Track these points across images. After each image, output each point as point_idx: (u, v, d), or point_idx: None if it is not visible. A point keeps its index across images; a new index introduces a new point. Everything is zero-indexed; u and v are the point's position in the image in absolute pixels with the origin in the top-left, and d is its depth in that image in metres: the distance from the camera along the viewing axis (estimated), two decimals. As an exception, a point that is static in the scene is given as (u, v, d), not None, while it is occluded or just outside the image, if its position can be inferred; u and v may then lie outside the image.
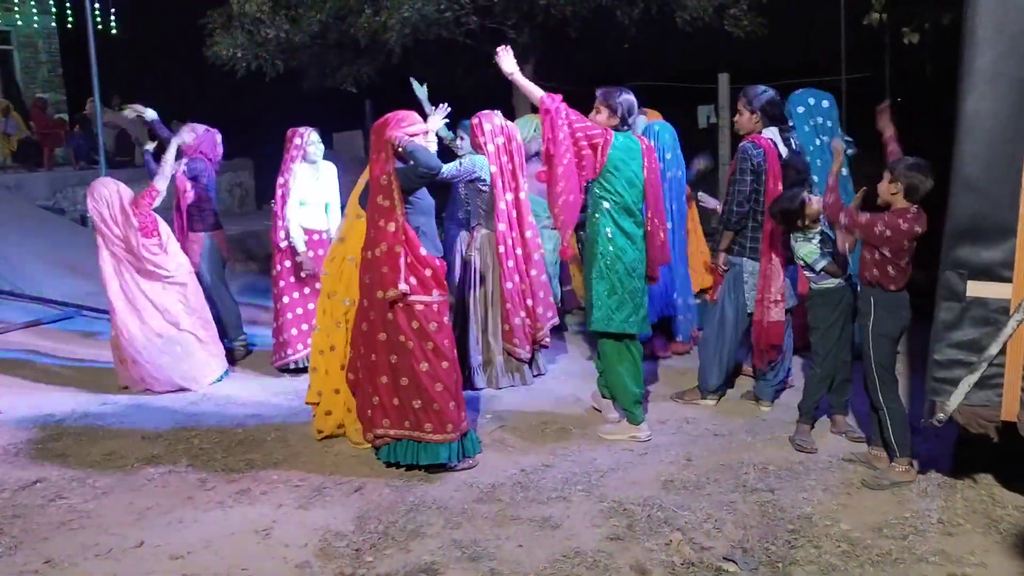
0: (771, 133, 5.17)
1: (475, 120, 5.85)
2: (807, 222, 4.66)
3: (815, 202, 4.63)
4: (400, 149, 4.41)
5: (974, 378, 3.77)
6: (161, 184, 6.16)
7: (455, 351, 4.56)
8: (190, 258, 6.46)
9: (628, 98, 4.84)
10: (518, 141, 5.90)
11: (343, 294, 4.95)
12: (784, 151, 5.19)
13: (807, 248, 4.66)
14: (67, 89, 17.88)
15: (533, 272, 5.93)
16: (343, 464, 4.67)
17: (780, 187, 5.05)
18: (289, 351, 6.40)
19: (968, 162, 3.73)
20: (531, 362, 6.02)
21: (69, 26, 16.75)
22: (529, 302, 5.90)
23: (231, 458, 4.81)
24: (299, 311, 6.39)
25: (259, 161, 16.62)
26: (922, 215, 4.18)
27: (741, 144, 5.20)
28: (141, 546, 3.78)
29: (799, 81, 9.69)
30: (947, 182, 3.81)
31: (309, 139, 6.30)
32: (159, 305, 6.09)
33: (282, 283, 6.40)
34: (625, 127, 4.85)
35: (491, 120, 5.82)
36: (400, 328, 4.40)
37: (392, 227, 4.37)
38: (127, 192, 6.10)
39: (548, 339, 6.06)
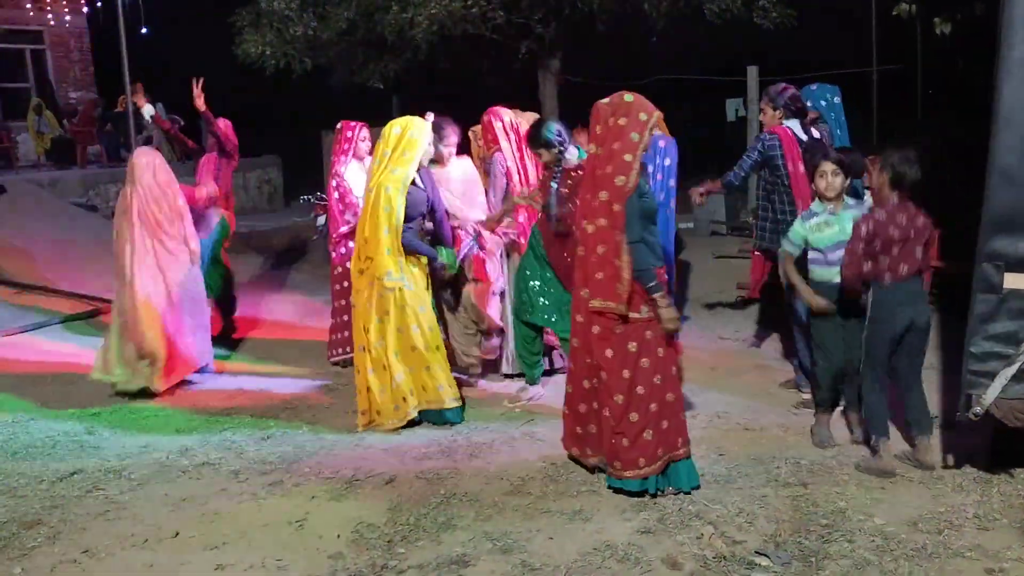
0: (791, 124, 5.47)
1: (486, 118, 5.91)
2: (815, 183, 4.61)
3: (828, 174, 4.51)
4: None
5: (1011, 371, 3.73)
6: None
7: None
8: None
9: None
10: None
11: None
12: (804, 138, 5.45)
13: (795, 226, 4.66)
14: (98, 88, 18.11)
15: None
16: (374, 456, 4.69)
17: (800, 169, 5.26)
18: (348, 349, 6.33)
19: (1005, 153, 3.68)
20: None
21: (101, 25, 16.96)
22: None
23: (264, 450, 4.85)
24: None
25: (287, 158, 16.74)
26: (908, 208, 4.19)
27: (760, 136, 5.59)
28: (177, 537, 3.83)
29: (828, 74, 9.62)
30: (983, 174, 3.76)
31: (360, 135, 6.33)
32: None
33: (337, 286, 6.41)
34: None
35: (502, 117, 5.87)
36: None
37: (619, 235, 3.86)
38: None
39: None
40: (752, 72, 10.05)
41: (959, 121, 11.12)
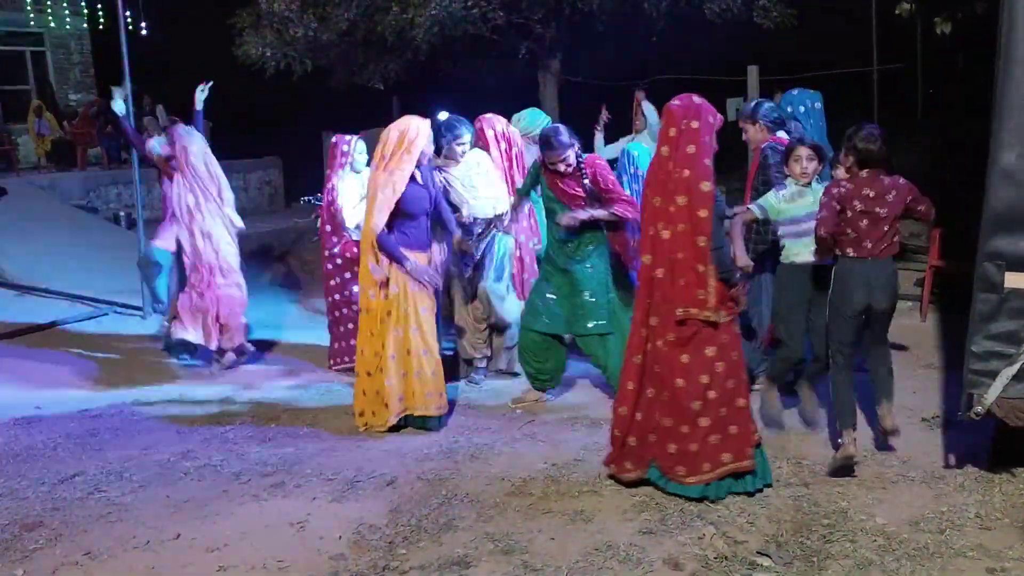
0: (780, 136, 5.33)
1: (479, 124, 6.00)
2: (790, 167, 4.61)
3: (803, 159, 4.53)
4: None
5: (1013, 370, 3.72)
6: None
7: None
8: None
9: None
10: (519, 147, 6.10)
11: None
12: None
13: (768, 196, 4.64)
14: (99, 90, 18.12)
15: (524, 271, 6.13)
16: (375, 458, 4.69)
17: None
18: (349, 358, 6.31)
19: (1005, 152, 3.68)
20: None
21: (101, 27, 16.96)
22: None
23: (265, 452, 4.85)
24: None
25: (288, 160, 16.74)
26: (879, 181, 4.11)
27: (764, 147, 5.30)
28: (178, 538, 3.82)
29: (828, 73, 9.62)
30: (983, 173, 3.76)
31: (356, 148, 6.30)
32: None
33: (337, 295, 6.42)
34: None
35: (494, 125, 6.05)
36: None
37: (703, 241, 3.82)
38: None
39: None
40: (752, 72, 10.03)
41: (959, 120, 11.14)
